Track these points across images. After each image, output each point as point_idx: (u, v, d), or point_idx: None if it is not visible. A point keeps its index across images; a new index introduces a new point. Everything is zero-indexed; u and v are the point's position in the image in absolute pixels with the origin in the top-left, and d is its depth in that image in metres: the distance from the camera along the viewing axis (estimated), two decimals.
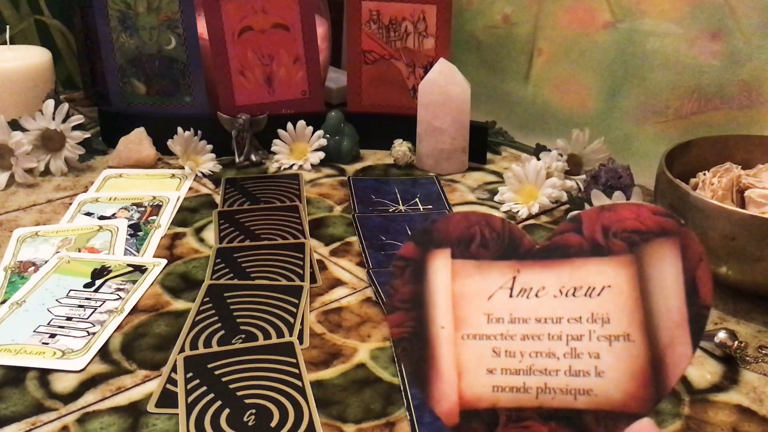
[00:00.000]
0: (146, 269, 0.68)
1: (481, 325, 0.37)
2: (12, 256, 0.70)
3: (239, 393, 0.52)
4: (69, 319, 0.61)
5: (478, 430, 0.36)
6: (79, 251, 0.71)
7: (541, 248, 0.37)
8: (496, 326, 0.37)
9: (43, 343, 0.58)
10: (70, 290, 0.65)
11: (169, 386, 0.54)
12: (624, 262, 0.36)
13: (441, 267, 0.37)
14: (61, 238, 0.73)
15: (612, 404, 0.36)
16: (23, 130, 0.87)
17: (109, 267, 0.68)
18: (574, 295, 0.36)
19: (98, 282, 0.66)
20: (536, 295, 0.37)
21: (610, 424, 0.35)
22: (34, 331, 0.59)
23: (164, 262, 0.70)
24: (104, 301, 0.63)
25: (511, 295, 0.37)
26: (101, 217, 0.78)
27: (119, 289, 0.65)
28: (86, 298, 0.64)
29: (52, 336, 0.59)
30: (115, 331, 0.60)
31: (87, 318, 0.61)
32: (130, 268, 0.68)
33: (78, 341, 0.58)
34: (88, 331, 0.59)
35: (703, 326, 0.35)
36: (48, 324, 0.60)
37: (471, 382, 0.37)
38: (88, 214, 0.79)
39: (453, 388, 0.37)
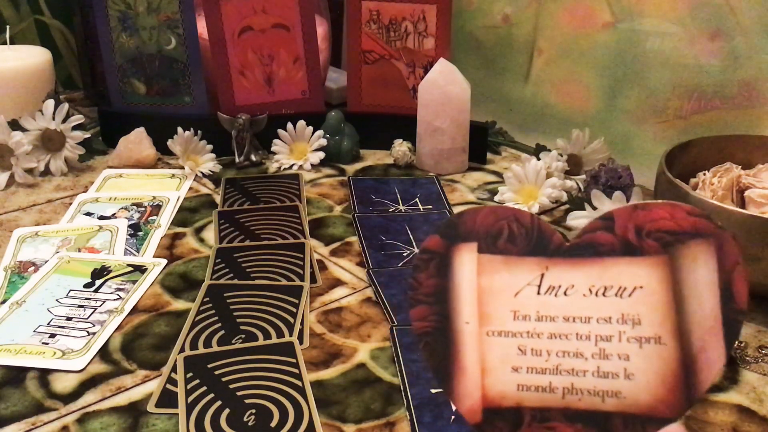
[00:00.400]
0: (146, 269, 0.68)
1: (507, 322, 0.36)
2: (12, 256, 0.70)
3: (239, 393, 0.52)
4: (69, 319, 0.61)
5: (501, 429, 0.36)
6: (79, 251, 0.71)
7: (571, 246, 0.36)
8: (523, 324, 0.36)
9: (43, 343, 0.58)
10: (70, 290, 0.65)
11: (169, 386, 0.54)
12: (657, 262, 0.35)
13: (467, 261, 0.37)
14: (61, 238, 0.73)
15: (641, 408, 0.35)
16: (23, 130, 0.87)
17: (109, 267, 0.68)
18: (604, 294, 0.36)
19: (98, 282, 0.66)
20: (565, 294, 0.36)
21: (639, 428, 0.35)
22: (34, 331, 0.59)
23: (164, 262, 0.70)
24: (104, 301, 0.63)
25: (538, 293, 0.36)
26: (101, 217, 0.78)
27: (119, 289, 0.65)
28: (86, 298, 0.64)
29: (52, 336, 0.59)
30: (115, 331, 0.60)
31: (87, 318, 0.61)
32: (130, 268, 0.68)
33: (78, 341, 0.58)
34: (88, 331, 0.59)
35: (737, 332, 0.34)
36: (48, 324, 0.60)
37: (495, 380, 0.36)
38: (88, 214, 0.79)
39: (476, 385, 0.36)
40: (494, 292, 0.37)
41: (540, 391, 0.36)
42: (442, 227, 0.37)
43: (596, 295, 0.36)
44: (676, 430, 0.34)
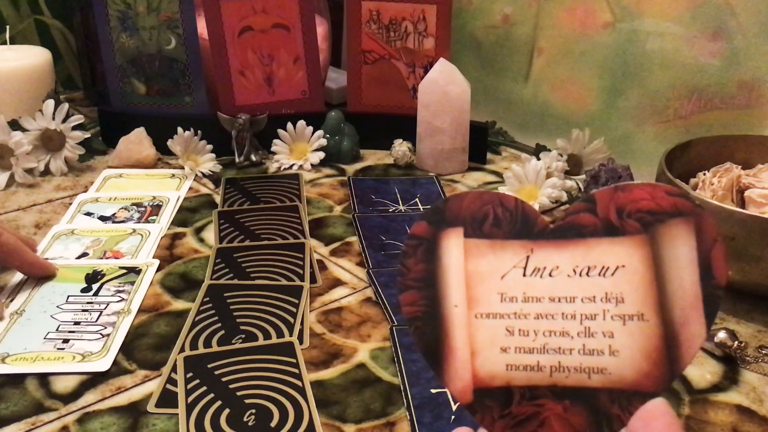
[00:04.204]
0: (141, 270, 0.68)
1: (495, 304, 0.37)
2: (41, 253, 0.70)
3: (239, 393, 0.52)
4: (77, 323, 0.60)
5: (491, 408, 0.36)
6: (105, 254, 0.71)
7: (555, 228, 0.37)
8: (510, 305, 0.37)
9: (58, 349, 0.57)
10: (69, 296, 0.64)
11: (169, 386, 0.54)
12: (638, 242, 0.36)
13: (454, 246, 0.37)
14: (92, 239, 0.73)
15: (626, 383, 0.36)
16: (23, 130, 0.87)
17: (101, 271, 0.68)
18: (588, 274, 0.36)
19: (95, 286, 0.66)
20: (550, 275, 0.37)
21: (624, 403, 0.35)
22: (45, 338, 0.58)
23: (157, 262, 0.69)
24: (107, 304, 0.63)
25: (524, 275, 0.37)
26: (101, 217, 0.78)
27: (119, 291, 0.65)
28: (88, 303, 0.63)
29: (66, 341, 0.58)
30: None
31: (96, 321, 0.61)
32: (124, 270, 0.68)
33: (94, 344, 0.58)
34: (101, 333, 0.59)
35: (716, 307, 0.35)
36: (57, 330, 0.60)
37: (484, 361, 0.37)
38: (88, 214, 0.79)
39: (466, 366, 0.37)
40: (481, 276, 0.37)
41: (528, 370, 0.36)
42: (428, 213, 0.38)
43: (580, 275, 0.37)
44: (659, 404, 0.35)
